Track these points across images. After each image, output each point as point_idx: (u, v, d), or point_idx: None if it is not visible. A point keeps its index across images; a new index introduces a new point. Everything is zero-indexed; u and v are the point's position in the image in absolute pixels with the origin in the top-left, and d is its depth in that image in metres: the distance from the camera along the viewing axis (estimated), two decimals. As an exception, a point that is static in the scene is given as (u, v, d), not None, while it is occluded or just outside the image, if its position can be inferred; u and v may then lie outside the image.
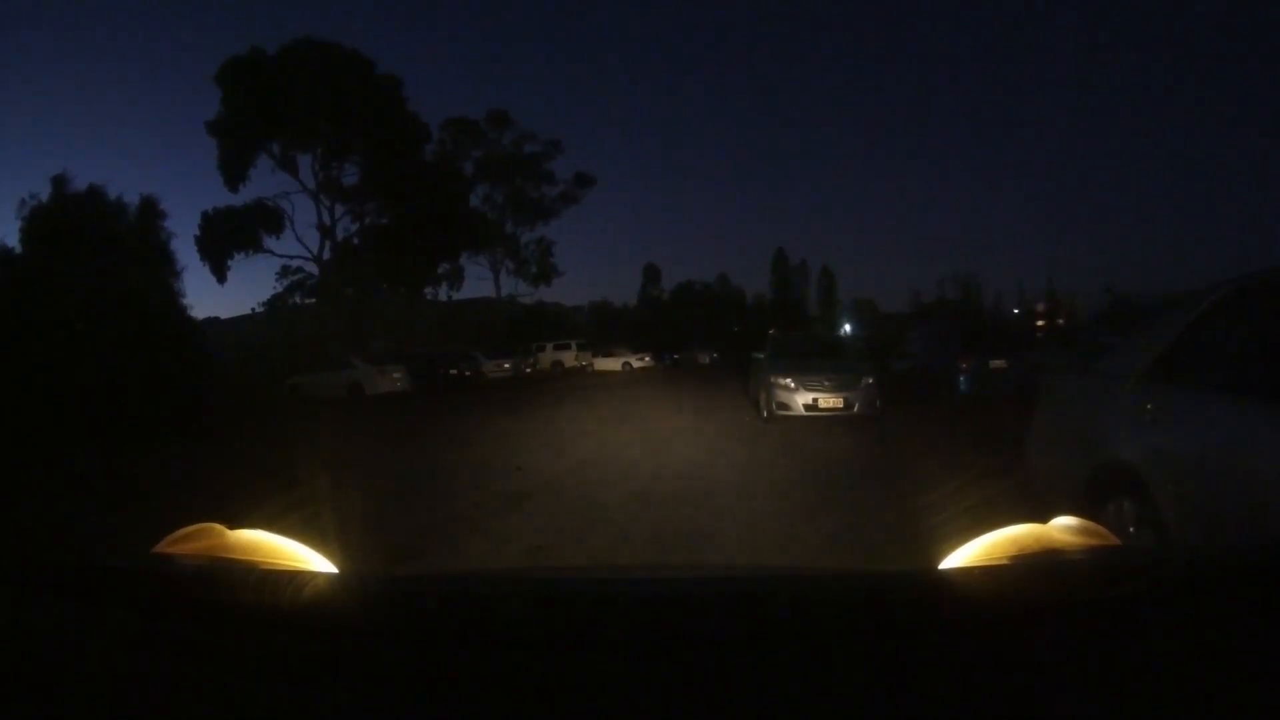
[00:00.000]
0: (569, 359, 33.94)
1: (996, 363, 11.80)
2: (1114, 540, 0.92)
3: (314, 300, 35.16)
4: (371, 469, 7.53)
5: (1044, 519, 0.93)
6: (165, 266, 20.12)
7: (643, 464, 6.96)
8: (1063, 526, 0.92)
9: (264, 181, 36.23)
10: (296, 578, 0.70)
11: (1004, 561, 0.82)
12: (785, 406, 9.86)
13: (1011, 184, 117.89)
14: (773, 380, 10.06)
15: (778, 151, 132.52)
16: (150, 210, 20.54)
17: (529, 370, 30.98)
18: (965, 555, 0.85)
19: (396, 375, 20.06)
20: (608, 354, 35.30)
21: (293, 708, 0.60)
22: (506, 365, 29.18)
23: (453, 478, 6.69)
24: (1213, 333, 2.68)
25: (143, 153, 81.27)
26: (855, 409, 9.76)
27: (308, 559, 0.87)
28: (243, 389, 19.36)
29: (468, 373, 25.11)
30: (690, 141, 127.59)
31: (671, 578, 1.13)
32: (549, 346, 34.59)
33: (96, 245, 17.41)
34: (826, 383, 9.87)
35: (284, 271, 35.53)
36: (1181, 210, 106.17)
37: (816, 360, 10.60)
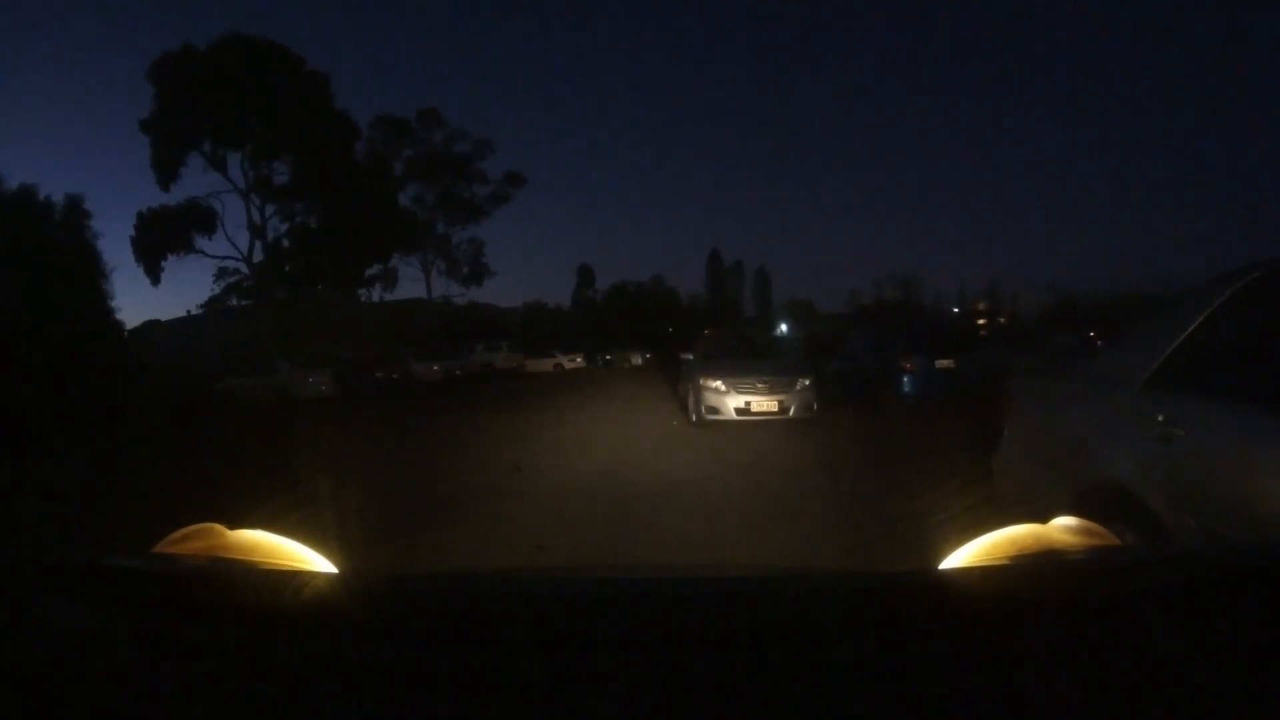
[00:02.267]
0: (500, 360, 34.10)
1: (943, 363, 11.34)
2: (1114, 540, 0.93)
3: (249, 302, 35.03)
4: (294, 480, 6.73)
5: (1043, 519, 0.94)
6: (93, 268, 20.01)
7: (562, 474, 6.59)
8: (1063, 526, 0.94)
9: (196, 181, 35.89)
10: (296, 578, 0.71)
11: (1004, 561, 0.83)
12: (716, 410, 9.55)
13: (949, 185, 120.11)
14: (702, 383, 9.73)
15: (712, 151, 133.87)
16: (76, 210, 20.36)
17: (459, 372, 31.03)
18: (965, 555, 0.86)
19: (321, 379, 20.42)
20: (539, 355, 35.81)
21: (293, 708, 0.60)
22: (436, 367, 29.26)
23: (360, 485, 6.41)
24: (1236, 328, 2.30)
25: (77, 151, 77.43)
26: (790, 412, 9.50)
27: (308, 559, 0.87)
28: (171, 394, 19.18)
29: (395, 375, 25.31)
30: (624, 141, 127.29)
31: (671, 578, 1.14)
32: (479, 348, 34.55)
33: (24, 248, 17.38)
34: (759, 385, 9.59)
35: (221, 273, 35.29)
36: (1120, 210, 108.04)
37: (748, 362, 10.36)
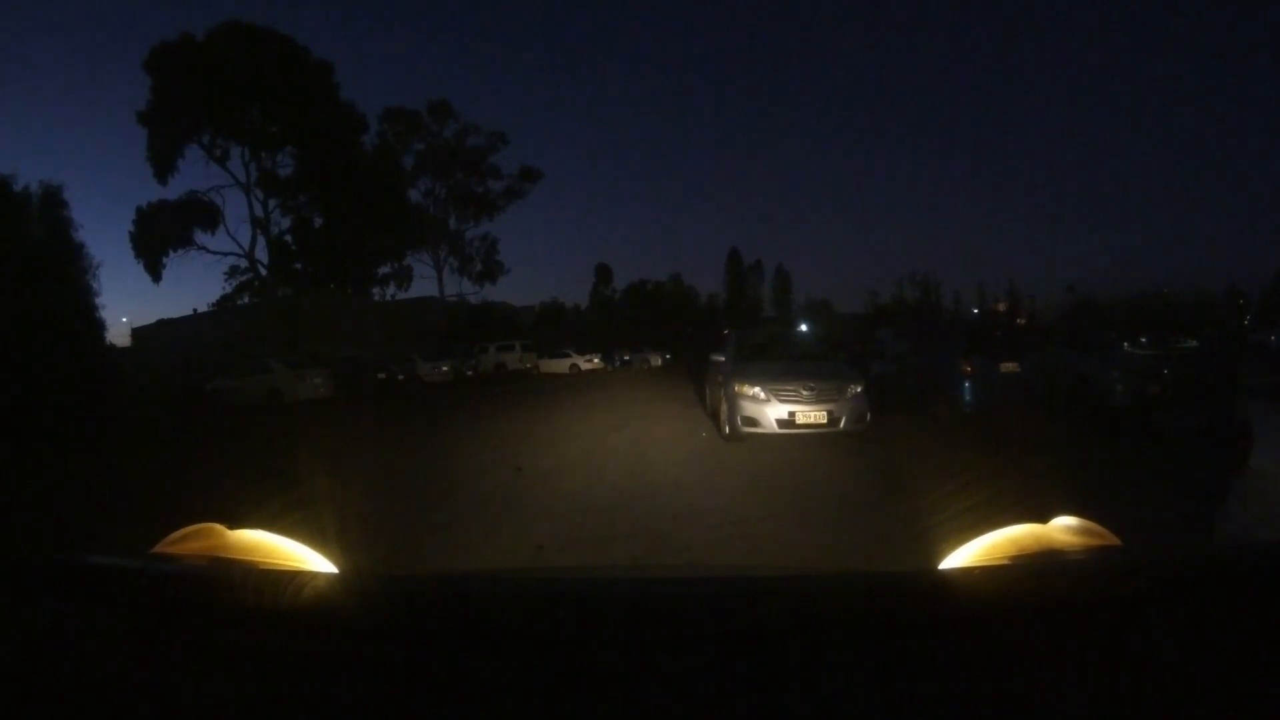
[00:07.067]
0: (513, 360, 32.83)
1: (1008, 366, 9.93)
2: (1114, 540, 0.91)
3: (259, 300, 34.09)
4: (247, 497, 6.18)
5: (1044, 519, 0.92)
6: (71, 262, 18.73)
7: (570, 510, 5.24)
8: (1063, 526, 0.92)
9: (197, 175, 35.07)
10: (296, 578, 0.70)
11: (1004, 561, 0.82)
12: (753, 422, 8.13)
13: (965, 186, 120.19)
14: (737, 389, 8.32)
15: (732, 149, 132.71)
16: (53, 200, 19.07)
17: (470, 373, 29.88)
18: (965, 555, 0.85)
19: (318, 380, 19.35)
20: (555, 355, 34.56)
21: (293, 708, 0.60)
22: (445, 368, 28.03)
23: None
24: None
25: (76, 146, 77.28)
26: (841, 425, 8.04)
27: (308, 559, 0.86)
28: (157, 395, 18.44)
29: (400, 376, 24.28)
30: (642, 137, 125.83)
31: (671, 578, 1.12)
32: (491, 348, 33.23)
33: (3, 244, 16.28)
34: (805, 392, 8.13)
35: (232, 271, 34.47)
36: (1134, 212, 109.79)
37: (791, 364, 8.90)
